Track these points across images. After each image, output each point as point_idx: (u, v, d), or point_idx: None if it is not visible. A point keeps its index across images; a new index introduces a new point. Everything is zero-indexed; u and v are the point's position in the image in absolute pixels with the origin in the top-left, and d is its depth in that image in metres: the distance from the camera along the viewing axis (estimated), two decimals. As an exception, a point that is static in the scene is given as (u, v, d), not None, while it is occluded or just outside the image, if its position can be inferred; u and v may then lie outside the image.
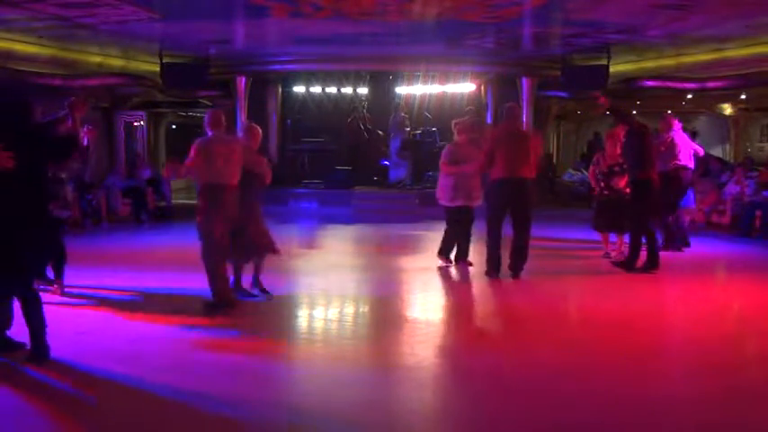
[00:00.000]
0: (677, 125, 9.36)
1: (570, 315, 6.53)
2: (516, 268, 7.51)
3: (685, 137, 9.46)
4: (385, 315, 6.22)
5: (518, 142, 7.47)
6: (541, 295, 6.98)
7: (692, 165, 9.36)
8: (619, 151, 8.33)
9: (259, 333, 5.55)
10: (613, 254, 8.62)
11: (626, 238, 8.32)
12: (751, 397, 4.16)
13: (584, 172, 16.08)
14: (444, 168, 7.99)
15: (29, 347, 4.55)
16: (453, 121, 8.42)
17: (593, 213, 8.80)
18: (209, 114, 6.22)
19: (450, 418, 3.99)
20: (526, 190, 7.41)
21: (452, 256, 8.24)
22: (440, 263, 8.21)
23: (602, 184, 8.52)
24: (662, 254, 8.11)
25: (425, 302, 6.83)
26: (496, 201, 7.49)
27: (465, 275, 7.90)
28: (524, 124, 14.30)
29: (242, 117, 14.42)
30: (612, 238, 8.78)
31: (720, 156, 15.28)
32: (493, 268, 7.55)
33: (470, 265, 8.14)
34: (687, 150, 9.27)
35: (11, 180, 4.24)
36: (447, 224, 8.19)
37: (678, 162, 9.15)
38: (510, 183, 7.35)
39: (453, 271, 8.09)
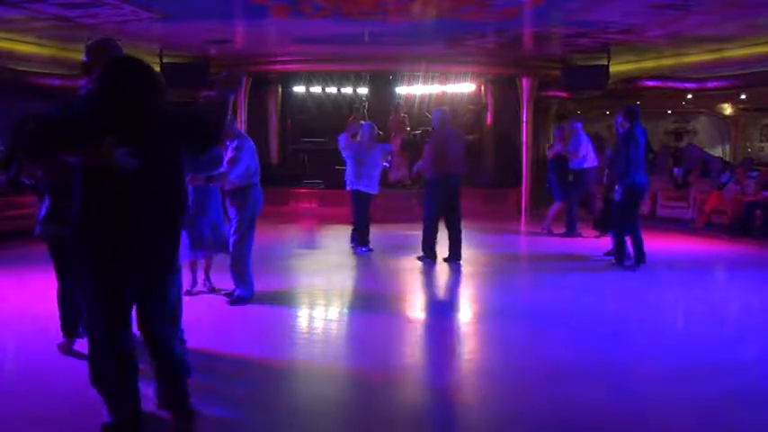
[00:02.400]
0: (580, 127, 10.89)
1: (569, 314, 6.53)
2: (455, 256, 8.28)
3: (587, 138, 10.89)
4: (385, 315, 6.23)
5: (449, 143, 8.25)
6: (541, 294, 7.00)
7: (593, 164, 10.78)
8: None
9: (258, 332, 5.56)
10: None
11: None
12: (751, 397, 4.16)
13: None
14: (347, 161, 9.12)
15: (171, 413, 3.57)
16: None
17: (612, 213, 8.47)
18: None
19: (451, 417, 3.99)
20: (456, 186, 8.25)
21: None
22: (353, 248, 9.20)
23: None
24: (651, 251, 8.16)
25: (426, 302, 6.83)
26: (431, 198, 8.30)
27: (465, 275, 7.91)
28: (524, 123, 14.37)
29: (242, 117, 14.44)
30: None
31: (720, 156, 15.25)
32: (428, 254, 8.36)
33: (371, 250, 9.20)
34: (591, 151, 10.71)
35: (138, 183, 3.16)
36: (355, 210, 9.09)
37: (585, 162, 10.61)
38: (441, 182, 8.15)
39: (453, 271, 8.11)
